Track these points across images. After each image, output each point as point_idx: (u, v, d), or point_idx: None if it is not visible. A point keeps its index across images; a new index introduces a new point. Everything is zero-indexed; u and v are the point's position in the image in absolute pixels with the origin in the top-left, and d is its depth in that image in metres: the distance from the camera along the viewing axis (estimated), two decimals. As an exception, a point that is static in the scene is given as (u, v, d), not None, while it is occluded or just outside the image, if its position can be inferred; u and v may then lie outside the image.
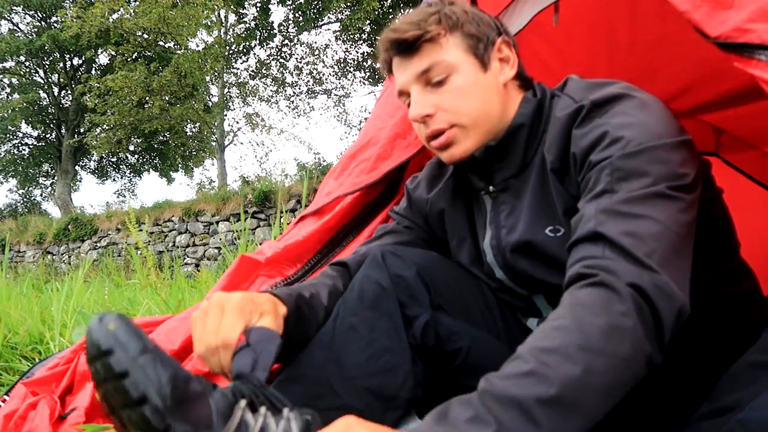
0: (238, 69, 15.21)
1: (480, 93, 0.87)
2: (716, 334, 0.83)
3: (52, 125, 17.78)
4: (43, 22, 17.08)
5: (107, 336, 0.51)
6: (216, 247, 9.05)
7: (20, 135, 17.98)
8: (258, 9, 13.88)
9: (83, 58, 16.76)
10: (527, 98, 0.91)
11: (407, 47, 0.86)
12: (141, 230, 9.02)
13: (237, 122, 17.12)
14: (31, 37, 16.61)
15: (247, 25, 14.21)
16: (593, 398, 0.57)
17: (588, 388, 0.56)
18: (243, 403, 0.56)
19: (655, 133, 0.73)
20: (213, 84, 14.90)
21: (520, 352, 0.59)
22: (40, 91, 17.36)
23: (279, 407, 0.56)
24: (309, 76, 15.46)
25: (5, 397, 1.18)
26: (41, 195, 20.39)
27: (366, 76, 15.21)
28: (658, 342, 0.62)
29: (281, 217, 6.66)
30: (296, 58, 15.18)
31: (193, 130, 16.30)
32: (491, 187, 0.95)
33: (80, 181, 19.86)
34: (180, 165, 18.43)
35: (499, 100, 0.89)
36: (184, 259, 9.28)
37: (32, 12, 16.91)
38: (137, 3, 13.14)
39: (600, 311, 0.60)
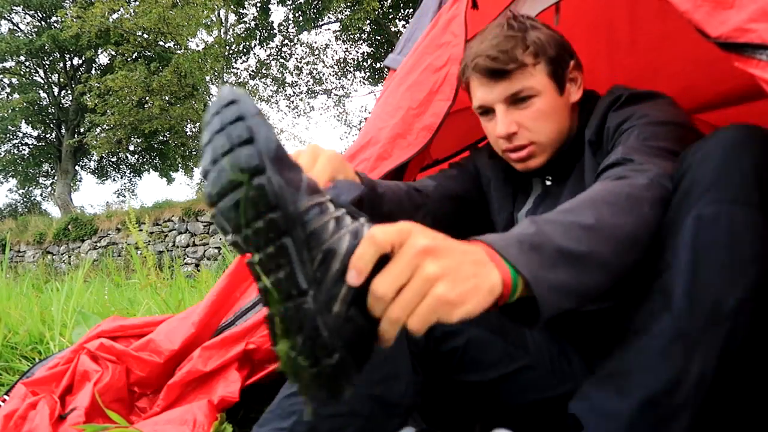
0: (238, 69, 15.22)
1: (557, 115, 0.97)
2: None
3: (52, 125, 17.77)
4: (43, 22, 17.08)
5: (231, 92, 0.54)
6: (216, 247, 9.05)
7: (20, 135, 17.98)
8: (258, 9, 13.88)
9: (83, 58, 16.76)
10: (585, 107, 1.03)
11: (500, 74, 0.93)
12: (141, 230, 9.02)
13: (237, 122, 17.10)
14: (31, 37, 16.60)
15: (247, 25, 14.21)
16: (621, 241, 0.64)
17: (618, 229, 0.64)
18: (327, 196, 0.56)
19: (678, 116, 0.87)
20: (213, 84, 14.90)
21: (560, 206, 0.68)
22: (40, 91, 17.36)
23: (357, 217, 0.57)
24: (309, 76, 15.47)
25: (5, 397, 1.18)
26: (41, 195, 20.41)
27: (366, 76, 15.21)
28: (661, 198, 0.70)
29: (281, 217, 6.63)
30: (296, 58, 15.19)
31: (193, 130, 16.29)
32: (549, 177, 1.05)
33: (80, 181, 19.87)
34: (180, 165, 18.41)
35: (569, 118, 1.00)
36: (184, 259, 9.28)
37: (32, 12, 16.90)
38: (137, 3, 13.14)
39: (624, 185, 0.70)
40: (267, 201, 0.50)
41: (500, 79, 0.93)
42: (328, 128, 44.00)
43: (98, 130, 14.27)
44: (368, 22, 13.02)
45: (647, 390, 0.65)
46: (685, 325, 0.64)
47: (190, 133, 16.41)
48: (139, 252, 5.35)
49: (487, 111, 0.99)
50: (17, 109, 16.30)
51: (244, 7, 13.85)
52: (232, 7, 13.41)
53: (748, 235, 0.64)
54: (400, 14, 13.46)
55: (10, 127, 16.88)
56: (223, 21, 14.00)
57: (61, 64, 17.30)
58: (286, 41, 14.66)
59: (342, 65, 15.26)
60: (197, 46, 13.98)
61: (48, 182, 19.75)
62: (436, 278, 0.50)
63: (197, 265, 9.00)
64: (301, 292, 0.50)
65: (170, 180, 19.17)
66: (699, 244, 0.65)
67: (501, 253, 0.55)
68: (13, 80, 17.47)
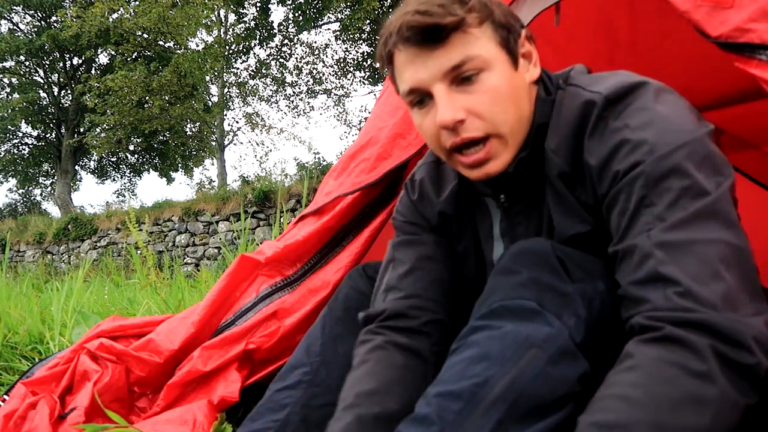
0: (238, 69, 15.21)
1: (515, 95, 0.74)
2: None
3: (52, 125, 17.76)
4: (43, 22, 17.06)
5: None
6: (216, 247, 9.05)
7: (20, 135, 17.96)
8: (258, 9, 13.87)
9: (83, 58, 16.74)
10: (542, 97, 0.79)
11: (435, 37, 0.70)
12: (141, 230, 9.02)
13: (237, 122, 17.12)
14: (31, 36, 16.59)
15: (247, 25, 14.20)
16: None
17: None
18: None
19: (681, 129, 0.65)
20: (213, 84, 14.89)
21: (580, 427, 0.53)
22: (40, 91, 17.34)
23: None
24: (309, 76, 15.45)
25: (5, 396, 1.18)
26: (41, 195, 20.41)
27: (366, 76, 15.20)
28: (751, 390, 0.55)
29: (281, 217, 6.66)
30: (296, 58, 15.17)
31: (193, 129, 16.28)
32: (502, 196, 0.83)
33: (80, 181, 19.86)
34: (180, 165, 18.40)
35: (528, 102, 0.77)
36: (184, 258, 9.28)
37: (32, 12, 16.88)
38: (137, 3, 13.13)
39: (673, 376, 0.52)
40: None
41: (435, 47, 0.70)
42: (328, 128, 44.06)
43: (98, 130, 14.26)
44: (368, 21, 13.01)
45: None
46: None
47: (190, 133, 16.41)
48: (139, 252, 5.34)
49: (422, 99, 0.75)
50: (17, 108, 16.28)
51: (244, 7, 13.84)
52: (232, 7, 13.40)
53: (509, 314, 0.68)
54: (400, 14, 13.44)
55: (10, 126, 16.86)
56: (223, 21, 14.00)
57: (61, 64, 17.28)
58: (286, 41, 14.65)
59: (342, 65, 15.25)
60: (197, 46, 13.97)
61: (48, 182, 19.76)
62: None
63: (197, 265, 9.00)
64: None
65: (170, 180, 19.17)
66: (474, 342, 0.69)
67: None
68: (13, 80, 17.46)
